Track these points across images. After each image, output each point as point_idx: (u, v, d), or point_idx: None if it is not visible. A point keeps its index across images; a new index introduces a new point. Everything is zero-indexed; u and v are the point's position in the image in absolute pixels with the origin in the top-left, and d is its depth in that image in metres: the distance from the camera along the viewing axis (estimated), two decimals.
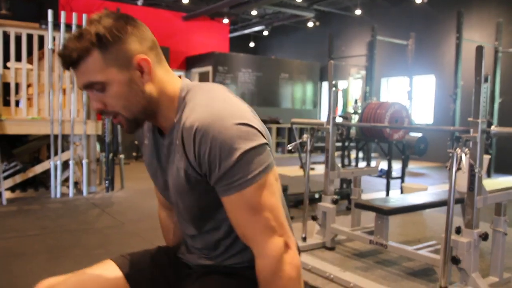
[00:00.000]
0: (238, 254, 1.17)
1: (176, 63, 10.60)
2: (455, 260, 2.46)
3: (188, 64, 10.88)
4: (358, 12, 10.65)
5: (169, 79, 1.12)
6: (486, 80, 2.42)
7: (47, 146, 6.05)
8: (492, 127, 2.44)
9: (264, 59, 11.51)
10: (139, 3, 10.00)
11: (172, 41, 10.27)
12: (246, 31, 13.24)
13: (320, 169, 7.28)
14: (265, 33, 13.18)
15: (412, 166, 8.89)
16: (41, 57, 5.41)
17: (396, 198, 3.15)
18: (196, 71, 10.60)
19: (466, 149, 2.30)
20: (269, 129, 10.33)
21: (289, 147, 3.24)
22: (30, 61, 5.32)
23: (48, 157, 5.58)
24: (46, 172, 5.51)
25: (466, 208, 2.49)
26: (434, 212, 4.54)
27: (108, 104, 1.06)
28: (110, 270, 1.25)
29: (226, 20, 11.25)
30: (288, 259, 1.02)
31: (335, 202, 3.33)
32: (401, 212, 3.16)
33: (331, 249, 3.29)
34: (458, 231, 2.53)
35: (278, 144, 10.67)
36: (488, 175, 7.53)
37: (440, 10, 9.66)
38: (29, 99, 5.54)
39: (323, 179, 3.44)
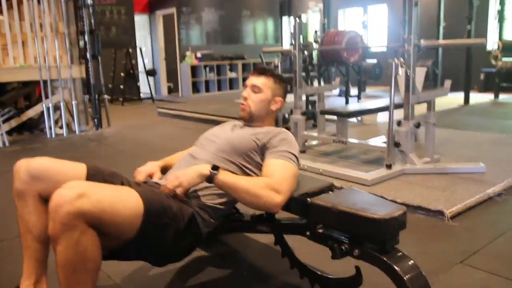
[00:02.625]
0: (213, 196, 1.66)
1: (140, 7, 10.78)
2: (397, 144, 3.26)
3: (151, 6, 11.08)
4: None
5: None
6: (416, 4, 3.11)
7: (24, 96, 6.37)
8: (421, 41, 3.16)
9: None
10: None
11: None
12: None
13: (288, 99, 8.00)
14: None
15: (369, 90, 9.73)
16: (9, 7, 5.64)
17: (353, 105, 3.90)
18: (160, 13, 10.83)
19: (401, 59, 3.03)
20: (235, 66, 10.89)
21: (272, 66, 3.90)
22: None
23: (27, 107, 5.99)
24: (31, 119, 5.96)
25: (404, 105, 3.27)
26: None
27: None
28: (80, 167, 1.62)
29: None
30: (275, 198, 1.52)
31: (303, 114, 4.07)
32: (358, 115, 3.93)
33: (303, 152, 4.06)
34: (399, 123, 3.32)
35: (244, 79, 11.25)
36: None
37: None
38: (4, 49, 5.80)
39: (293, 98, 4.15)
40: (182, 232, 1.52)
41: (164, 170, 1.87)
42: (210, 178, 1.51)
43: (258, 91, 1.86)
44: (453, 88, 3.72)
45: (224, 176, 1.52)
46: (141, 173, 1.81)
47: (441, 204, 2.66)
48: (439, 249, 2.23)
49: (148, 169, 1.84)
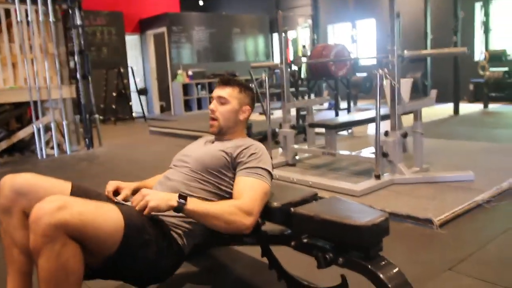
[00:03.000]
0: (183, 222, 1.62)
1: (131, 27, 10.86)
2: (385, 154, 3.27)
3: (142, 26, 11.16)
4: None
5: None
6: (398, 16, 3.16)
7: (16, 118, 6.38)
8: (405, 52, 3.20)
9: (216, 16, 11.93)
10: None
11: (125, 5, 10.50)
12: None
13: (278, 114, 8.05)
14: None
15: (361, 103, 9.80)
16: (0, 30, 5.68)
17: (342, 117, 3.93)
18: (151, 32, 10.91)
19: (385, 69, 3.06)
20: None
21: (252, 85, 3.92)
22: None
23: (19, 128, 5.99)
24: (23, 140, 5.96)
25: (390, 115, 3.29)
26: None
27: None
28: (64, 184, 1.65)
29: None
30: (245, 222, 1.52)
31: (292, 127, 4.08)
32: (345, 126, 3.95)
33: (293, 165, 4.07)
34: (386, 133, 3.34)
35: None
36: None
37: None
38: None
39: (282, 112, 4.17)
40: (164, 250, 1.51)
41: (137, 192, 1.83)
42: (177, 209, 1.47)
43: (224, 102, 1.83)
44: (443, 99, 3.76)
45: (192, 206, 1.48)
46: (111, 185, 1.83)
47: (429, 212, 2.66)
48: (428, 257, 2.23)
49: (118, 183, 1.84)
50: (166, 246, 1.52)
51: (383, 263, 1.43)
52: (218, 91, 1.85)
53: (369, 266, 1.40)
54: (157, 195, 1.50)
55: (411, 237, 2.48)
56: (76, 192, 1.61)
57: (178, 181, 1.70)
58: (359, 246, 1.44)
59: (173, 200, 1.47)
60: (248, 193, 1.58)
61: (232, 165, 1.71)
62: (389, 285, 1.36)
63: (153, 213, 1.49)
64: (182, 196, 1.49)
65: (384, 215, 1.44)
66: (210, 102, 1.88)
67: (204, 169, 1.71)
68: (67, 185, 1.64)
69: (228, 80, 1.87)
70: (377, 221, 1.41)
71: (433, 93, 3.57)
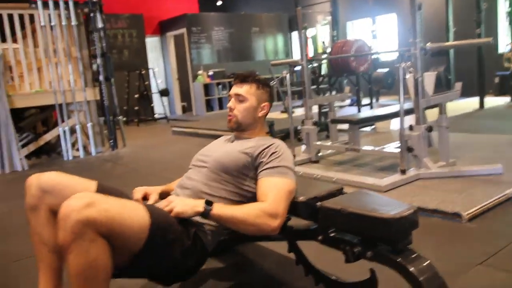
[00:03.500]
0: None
1: (151, 29, 10.98)
2: (410, 149, 3.23)
3: (162, 28, 11.27)
4: None
5: None
6: (419, 7, 3.11)
7: (42, 121, 6.56)
8: (427, 44, 3.15)
9: (234, 16, 11.96)
10: None
11: (145, 8, 10.62)
12: None
13: (298, 112, 8.02)
14: None
15: (383, 100, 9.68)
16: (24, 36, 5.81)
17: (365, 112, 3.89)
18: (170, 34, 11.00)
19: (409, 62, 3.02)
20: None
21: (272, 82, 3.92)
22: (15, 40, 5.70)
23: (45, 131, 6.14)
24: (49, 143, 6.09)
25: (415, 109, 3.24)
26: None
27: None
28: (89, 182, 1.66)
29: None
30: (272, 224, 1.51)
31: (315, 123, 4.06)
32: (369, 121, 3.90)
33: (316, 162, 4.04)
34: (411, 128, 3.29)
35: None
36: None
37: None
38: (21, 76, 5.93)
39: (304, 110, 4.15)
40: (188, 249, 1.52)
41: (164, 195, 1.83)
42: (204, 214, 1.50)
43: (242, 99, 1.80)
44: (468, 93, 3.69)
45: (218, 211, 1.50)
46: (138, 191, 1.83)
47: (458, 206, 2.61)
48: (458, 251, 2.18)
49: (145, 188, 1.85)
50: (190, 244, 1.53)
51: (413, 256, 1.40)
52: (236, 89, 1.83)
53: (399, 260, 1.38)
54: (183, 201, 1.53)
55: (439, 232, 2.44)
56: (101, 190, 1.62)
57: (199, 181, 1.71)
58: (388, 240, 1.42)
59: (200, 206, 1.50)
60: (273, 194, 1.56)
61: (253, 165, 1.69)
62: (420, 279, 1.33)
63: None
64: (208, 202, 1.51)
65: (412, 208, 1.42)
66: (229, 101, 1.87)
67: (223, 170, 1.70)
68: (92, 184, 1.66)
69: (245, 77, 1.84)
70: (406, 214, 1.38)
71: (458, 85, 3.50)
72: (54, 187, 1.56)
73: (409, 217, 1.38)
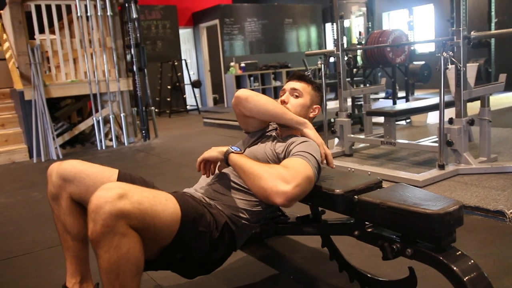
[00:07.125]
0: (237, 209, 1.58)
1: (184, 20, 11.01)
2: (449, 143, 3.09)
3: (195, 19, 11.28)
4: None
5: None
6: None
7: (77, 111, 6.70)
8: (472, 32, 3.00)
9: (267, 7, 11.85)
10: None
11: None
12: None
13: (331, 105, 7.89)
14: None
15: (418, 93, 9.42)
16: (61, 27, 5.91)
17: (401, 105, 3.76)
18: (203, 25, 11.01)
19: (450, 52, 2.88)
20: (279, 74, 10.86)
21: (307, 73, 3.83)
22: (52, 31, 5.80)
23: (80, 121, 6.24)
24: (83, 133, 6.20)
25: (455, 101, 3.10)
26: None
27: None
28: (111, 170, 1.62)
29: None
30: (282, 187, 1.36)
31: (349, 116, 3.96)
32: (406, 114, 3.77)
33: (350, 155, 3.94)
34: (451, 121, 3.15)
35: None
36: None
37: None
38: (57, 66, 6.04)
39: (337, 102, 4.05)
40: (216, 242, 1.47)
41: None
42: (226, 155, 1.51)
43: (299, 95, 1.79)
44: (510, 87, 3.50)
45: (237, 156, 1.49)
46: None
47: (501, 204, 2.48)
48: (501, 251, 2.07)
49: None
50: (218, 237, 1.48)
51: (457, 254, 1.32)
52: (293, 84, 1.82)
53: (441, 258, 1.30)
54: (212, 149, 1.59)
55: (481, 230, 2.32)
56: (123, 179, 1.59)
57: (230, 170, 1.65)
58: (430, 237, 1.34)
59: (225, 148, 1.54)
60: (294, 165, 1.44)
61: (283, 159, 1.62)
62: (464, 279, 1.25)
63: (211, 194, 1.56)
64: (235, 148, 1.54)
65: (458, 203, 1.33)
66: (278, 95, 1.83)
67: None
68: (113, 172, 1.61)
69: (302, 76, 1.87)
70: (450, 210, 1.30)
71: (502, 77, 3.33)
72: (75, 175, 1.53)
73: (454, 213, 1.30)
